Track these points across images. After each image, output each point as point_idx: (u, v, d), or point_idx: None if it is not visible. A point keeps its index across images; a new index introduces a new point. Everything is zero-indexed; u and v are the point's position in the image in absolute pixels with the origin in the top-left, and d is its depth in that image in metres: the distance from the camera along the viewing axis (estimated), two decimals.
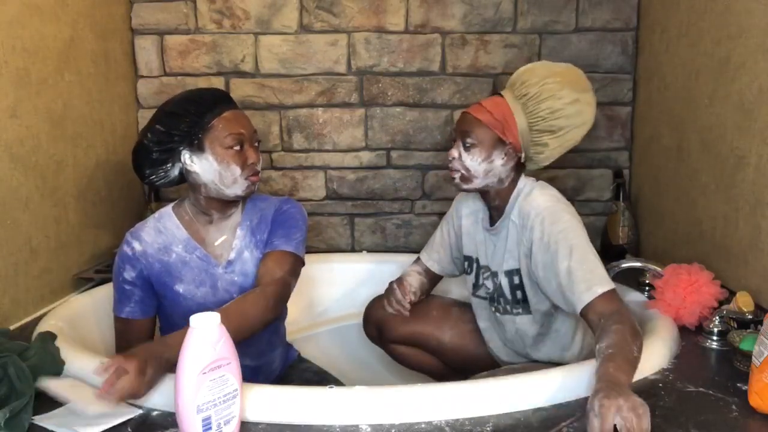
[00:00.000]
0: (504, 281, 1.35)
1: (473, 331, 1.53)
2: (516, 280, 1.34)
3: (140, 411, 0.97)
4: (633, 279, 1.56)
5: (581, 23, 2.00)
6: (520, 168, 1.36)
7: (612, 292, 1.15)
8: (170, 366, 0.96)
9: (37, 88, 1.47)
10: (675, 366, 1.13)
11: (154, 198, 1.95)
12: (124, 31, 1.97)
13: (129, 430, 0.93)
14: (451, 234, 1.53)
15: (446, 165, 1.37)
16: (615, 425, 0.82)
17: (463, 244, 1.49)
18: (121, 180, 1.91)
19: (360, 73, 2.03)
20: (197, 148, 1.21)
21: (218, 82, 2.03)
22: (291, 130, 2.06)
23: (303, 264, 1.30)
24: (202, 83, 2.00)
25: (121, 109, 1.94)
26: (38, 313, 1.43)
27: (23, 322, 1.39)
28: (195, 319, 0.85)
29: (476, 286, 1.46)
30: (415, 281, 1.55)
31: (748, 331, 1.19)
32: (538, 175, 1.48)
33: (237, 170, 1.21)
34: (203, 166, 1.21)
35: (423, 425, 0.94)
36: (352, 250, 2.13)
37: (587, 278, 1.16)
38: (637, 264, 1.51)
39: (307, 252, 1.33)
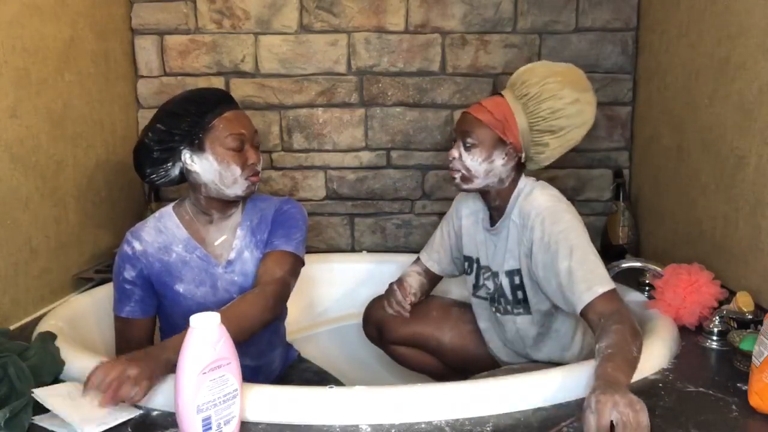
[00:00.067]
0: (505, 281, 1.35)
1: (473, 331, 1.53)
2: (517, 280, 1.34)
3: (140, 411, 0.97)
4: (633, 279, 1.56)
5: (581, 23, 2.00)
6: (520, 168, 1.36)
7: (612, 292, 1.15)
8: (171, 367, 0.96)
9: (37, 88, 1.47)
10: (675, 366, 1.13)
11: (154, 198, 1.95)
12: (124, 31, 1.97)
13: (129, 430, 0.93)
14: (451, 234, 1.53)
15: (446, 165, 1.37)
16: (612, 422, 0.82)
17: (463, 244, 1.49)
18: (121, 180, 1.91)
19: (360, 73, 2.03)
20: (198, 147, 1.21)
21: (218, 82, 2.03)
22: (291, 130, 2.06)
23: (303, 264, 1.30)
24: (202, 83, 2.00)
25: (121, 109, 1.94)
26: (38, 313, 1.43)
27: (23, 322, 1.39)
28: (195, 319, 0.85)
29: (476, 286, 1.46)
30: (414, 282, 1.55)
31: (748, 331, 1.19)
32: (539, 175, 1.48)
33: (237, 170, 1.21)
34: (203, 165, 1.21)
35: (423, 425, 0.94)
36: (352, 250, 2.13)
37: (588, 278, 1.16)
38: (637, 264, 1.51)
39: (307, 252, 1.34)
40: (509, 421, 0.94)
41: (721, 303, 1.29)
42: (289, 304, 1.31)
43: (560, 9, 1.98)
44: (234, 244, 1.29)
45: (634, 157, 2.06)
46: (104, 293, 1.47)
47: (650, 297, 1.41)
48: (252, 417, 0.95)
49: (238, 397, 0.89)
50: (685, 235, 1.69)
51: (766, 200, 1.32)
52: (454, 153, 1.33)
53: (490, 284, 1.40)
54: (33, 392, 0.96)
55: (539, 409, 0.97)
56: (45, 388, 1.00)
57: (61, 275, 1.56)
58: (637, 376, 1.06)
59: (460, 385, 1.04)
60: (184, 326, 0.89)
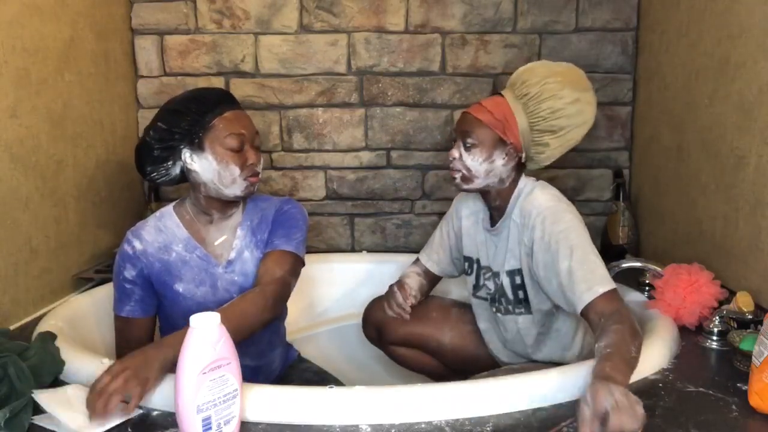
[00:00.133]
0: (506, 281, 1.35)
1: (473, 332, 1.52)
2: (518, 280, 1.34)
3: (140, 411, 0.97)
4: (633, 279, 1.56)
5: (581, 23, 2.00)
6: (520, 168, 1.36)
7: (613, 292, 1.15)
8: (169, 365, 0.96)
9: (37, 88, 1.47)
10: (675, 366, 1.13)
11: (154, 198, 1.95)
12: (124, 31, 1.97)
13: (129, 430, 0.93)
14: (450, 235, 1.53)
15: (446, 165, 1.37)
16: (605, 425, 0.81)
17: (463, 245, 1.49)
18: (121, 180, 1.91)
19: (360, 73, 2.03)
20: (197, 146, 1.21)
21: (218, 82, 2.03)
22: (291, 130, 2.06)
23: (303, 264, 1.30)
24: (202, 83, 2.00)
25: (121, 109, 1.94)
26: (38, 313, 1.43)
27: (23, 322, 1.39)
28: (195, 319, 0.85)
29: (477, 286, 1.46)
30: (414, 283, 1.55)
31: (748, 331, 1.19)
32: (539, 175, 1.48)
33: (236, 170, 1.21)
34: (203, 165, 1.21)
35: (423, 425, 0.94)
36: (352, 250, 2.13)
37: (588, 278, 1.16)
38: (637, 264, 1.51)
39: (307, 252, 1.33)
40: (509, 421, 0.94)
41: (721, 303, 1.29)
42: (289, 304, 1.31)
43: (560, 9, 1.99)
44: (234, 244, 1.29)
45: (634, 157, 2.06)
46: (104, 293, 1.47)
47: (650, 297, 1.41)
48: (252, 417, 0.95)
49: (238, 397, 0.89)
50: (685, 235, 1.69)
51: (766, 200, 1.32)
52: (455, 153, 1.33)
53: (490, 284, 1.40)
54: (34, 395, 0.96)
55: (539, 409, 0.97)
56: (46, 391, 0.99)
57: (61, 275, 1.56)
58: (637, 376, 1.06)
59: (460, 385, 1.04)
60: (183, 326, 0.89)
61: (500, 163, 1.31)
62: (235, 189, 1.22)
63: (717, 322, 1.25)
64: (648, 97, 1.94)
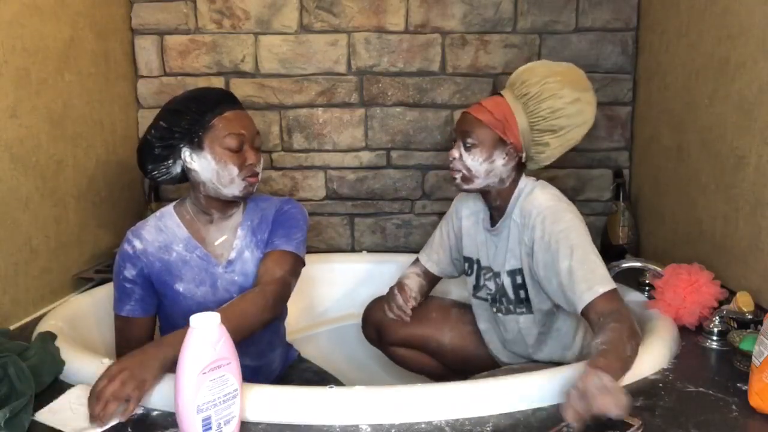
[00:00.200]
0: (507, 281, 1.35)
1: (473, 332, 1.52)
2: (519, 279, 1.34)
3: (140, 411, 0.97)
4: (633, 279, 1.56)
5: (581, 23, 2.00)
6: (520, 168, 1.36)
7: (613, 291, 1.15)
8: (168, 364, 0.96)
9: (37, 88, 1.47)
10: (675, 366, 1.12)
11: (154, 198, 1.95)
12: (124, 31, 1.97)
13: (129, 430, 0.93)
14: (450, 235, 1.53)
15: (446, 165, 1.37)
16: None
17: (463, 245, 1.49)
18: (121, 180, 1.91)
19: (360, 73, 2.03)
20: (197, 146, 1.21)
21: (218, 82, 2.03)
22: (291, 130, 2.06)
23: (303, 264, 1.30)
24: (202, 83, 2.00)
25: (121, 109, 1.94)
26: (38, 313, 1.43)
27: (23, 322, 1.39)
28: (195, 319, 0.85)
29: (477, 287, 1.46)
30: (414, 285, 1.54)
31: (748, 331, 1.19)
32: (539, 175, 1.48)
33: (234, 170, 1.21)
34: (202, 164, 1.21)
35: (423, 425, 0.94)
36: (352, 250, 2.13)
37: (588, 278, 1.17)
38: (637, 264, 1.51)
39: (307, 252, 1.33)
40: (509, 421, 0.94)
41: (721, 303, 1.29)
42: (290, 304, 1.31)
43: (560, 9, 1.99)
44: (234, 244, 1.29)
45: (634, 157, 2.06)
46: (104, 293, 1.47)
47: (650, 297, 1.41)
48: (252, 417, 0.95)
49: (238, 397, 0.89)
50: (685, 235, 1.69)
51: (766, 200, 1.32)
52: (455, 153, 1.33)
53: (491, 285, 1.40)
54: (35, 418, 0.96)
55: (539, 409, 0.97)
56: (46, 411, 0.99)
57: (61, 275, 1.56)
58: (637, 376, 1.06)
59: (460, 385, 1.04)
60: (183, 326, 0.89)
61: (500, 163, 1.31)
62: (234, 189, 1.22)
63: (717, 322, 1.25)
64: (648, 97, 1.94)
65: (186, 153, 1.23)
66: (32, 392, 0.97)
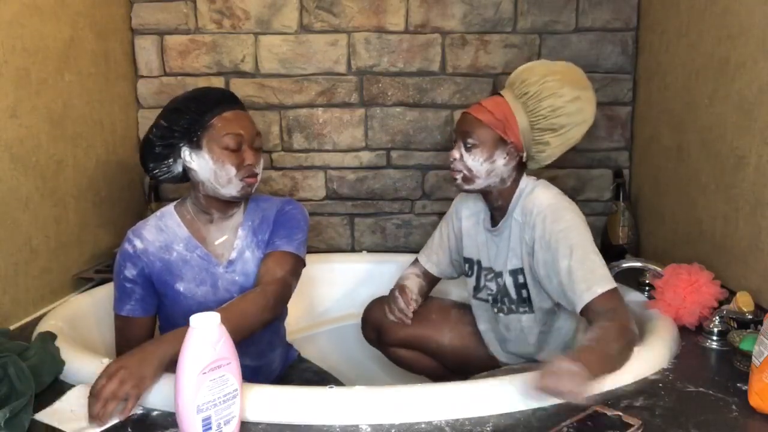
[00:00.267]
0: (509, 281, 1.35)
1: (473, 333, 1.52)
2: (521, 279, 1.34)
3: (140, 411, 0.97)
4: (633, 279, 1.56)
5: (581, 23, 2.00)
6: (521, 168, 1.36)
7: (612, 291, 1.15)
8: (167, 362, 0.96)
9: (37, 88, 1.47)
10: (675, 366, 1.12)
11: (154, 198, 1.95)
12: (124, 31, 1.97)
13: (129, 430, 0.93)
14: (450, 236, 1.53)
15: (446, 165, 1.37)
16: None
17: (463, 246, 1.49)
18: (121, 180, 1.91)
19: (360, 73, 2.03)
20: (196, 145, 1.22)
21: (218, 82, 2.03)
22: (291, 130, 2.06)
23: (304, 264, 1.31)
24: (202, 83, 2.00)
25: (121, 109, 1.94)
26: (38, 313, 1.43)
27: (23, 322, 1.39)
28: (195, 319, 0.85)
29: (477, 288, 1.46)
30: (414, 286, 1.54)
31: (748, 331, 1.19)
32: (539, 175, 1.48)
33: (232, 170, 1.21)
34: (200, 163, 1.22)
35: (423, 425, 0.94)
36: (352, 250, 2.13)
37: (587, 278, 1.17)
38: (637, 264, 1.51)
39: (307, 252, 1.34)
40: (509, 421, 0.94)
41: (721, 303, 1.29)
42: (290, 304, 1.30)
43: (560, 9, 1.98)
44: (235, 244, 1.29)
45: (634, 157, 2.06)
46: (104, 293, 1.47)
47: (650, 297, 1.41)
48: (252, 417, 0.95)
49: (238, 397, 0.89)
50: (685, 235, 1.69)
51: (766, 200, 1.32)
52: (455, 154, 1.33)
53: (492, 285, 1.40)
54: (35, 418, 0.96)
55: (539, 409, 0.97)
56: (46, 411, 0.99)
57: (61, 275, 1.56)
58: (637, 376, 1.06)
59: (460, 385, 1.04)
60: (184, 326, 0.89)
61: (501, 162, 1.31)
62: (231, 189, 1.23)
63: (717, 322, 1.25)
64: (648, 97, 1.94)
65: (186, 152, 1.23)
66: (32, 392, 0.97)
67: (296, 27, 2.01)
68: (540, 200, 1.28)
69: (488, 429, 0.92)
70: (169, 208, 1.31)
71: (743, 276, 1.40)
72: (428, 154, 2.07)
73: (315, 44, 2.01)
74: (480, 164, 1.30)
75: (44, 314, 1.38)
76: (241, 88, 2.02)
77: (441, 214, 2.02)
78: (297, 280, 1.28)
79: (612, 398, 0.99)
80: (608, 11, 1.99)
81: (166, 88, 2.02)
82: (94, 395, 0.92)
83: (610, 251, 1.90)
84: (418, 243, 2.06)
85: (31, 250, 1.44)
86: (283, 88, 2.04)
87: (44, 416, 0.96)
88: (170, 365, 0.94)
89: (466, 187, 1.34)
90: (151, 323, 1.30)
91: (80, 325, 1.36)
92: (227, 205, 1.28)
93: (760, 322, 1.11)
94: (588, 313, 1.15)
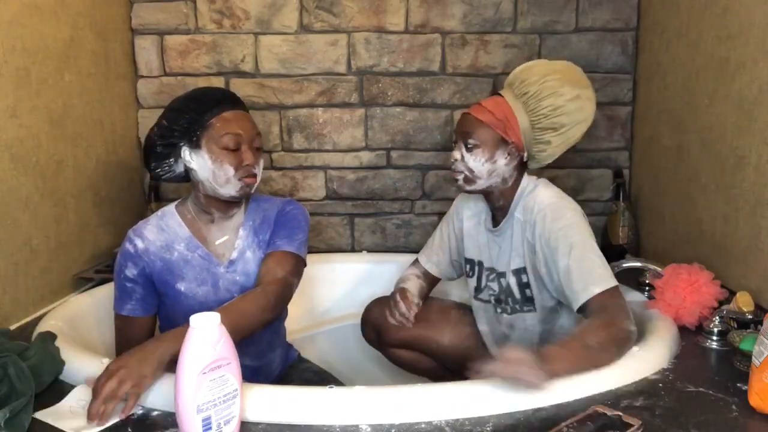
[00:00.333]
0: (512, 280, 1.35)
1: (473, 333, 1.52)
2: (524, 278, 1.34)
3: (140, 411, 0.97)
4: (633, 279, 1.56)
5: (581, 23, 2.00)
6: (522, 167, 1.36)
7: (610, 290, 1.15)
8: (168, 360, 0.96)
9: (37, 88, 1.47)
10: (675, 366, 1.12)
11: (154, 198, 1.95)
12: (124, 31, 1.97)
13: (129, 430, 0.93)
14: (451, 237, 1.53)
15: (446, 165, 1.38)
16: None
17: (464, 246, 1.48)
18: (121, 180, 1.91)
19: (360, 73, 2.03)
20: (195, 145, 1.22)
21: (218, 82, 2.03)
22: (291, 130, 2.06)
23: (305, 265, 1.31)
24: (202, 83, 2.00)
25: (121, 109, 1.94)
26: (38, 313, 1.43)
27: (23, 322, 1.39)
28: (195, 319, 0.85)
29: (478, 289, 1.46)
30: (415, 288, 1.53)
31: (748, 331, 1.19)
32: (539, 175, 1.48)
33: (230, 170, 1.21)
34: (199, 163, 1.22)
35: (423, 425, 0.94)
36: (352, 250, 2.13)
37: (584, 277, 1.17)
38: (637, 264, 1.51)
39: (307, 252, 1.34)
40: (509, 421, 0.94)
41: (721, 303, 1.29)
42: (290, 304, 1.30)
43: (560, 9, 1.98)
44: (236, 244, 1.29)
45: (634, 157, 2.06)
46: (104, 293, 1.47)
47: (650, 297, 1.41)
48: (252, 417, 0.95)
49: (238, 397, 0.89)
50: (685, 235, 1.69)
51: (766, 200, 1.32)
52: (456, 155, 1.33)
53: (495, 285, 1.40)
54: (36, 417, 0.96)
55: (539, 409, 0.97)
56: (46, 411, 0.98)
57: (61, 275, 1.56)
58: (637, 376, 1.06)
59: (460, 385, 1.04)
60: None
61: (502, 162, 1.31)
62: (230, 189, 1.23)
63: (717, 322, 1.25)
64: (648, 97, 1.94)
65: (186, 152, 1.24)
66: (32, 392, 0.97)
67: (296, 27, 2.01)
68: (541, 198, 1.28)
69: (488, 429, 0.92)
70: (170, 208, 1.31)
71: (743, 276, 1.40)
72: (428, 154, 2.07)
73: (315, 44, 2.01)
74: (481, 165, 1.30)
75: (44, 314, 1.38)
76: (241, 88, 2.02)
77: (441, 214, 2.02)
78: (298, 280, 1.28)
79: (612, 398, 0.99)
80: (608, 11, 1.99)
81: (166, 88, 2.02)
82: (93, 394, 0.92)
83: (610, 251, 1.90)
84: (418, 243, 2.06)
85: (31, 250, 1.44)
86: (283, 88, 2.04)
87: (44, 416, 0.96)
88: (170, 364, 0.94)
89: (468, 188, 1.34)
90: (152, 323, 1.31)
91: (80, 325, 1.36)
92: (227, 205, 1.28)
93: (760, 322, 1.11)
94: (585, 312, 1.16)
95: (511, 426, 0.93)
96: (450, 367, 1.57)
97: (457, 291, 1.80)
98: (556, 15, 1.99)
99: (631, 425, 0.89)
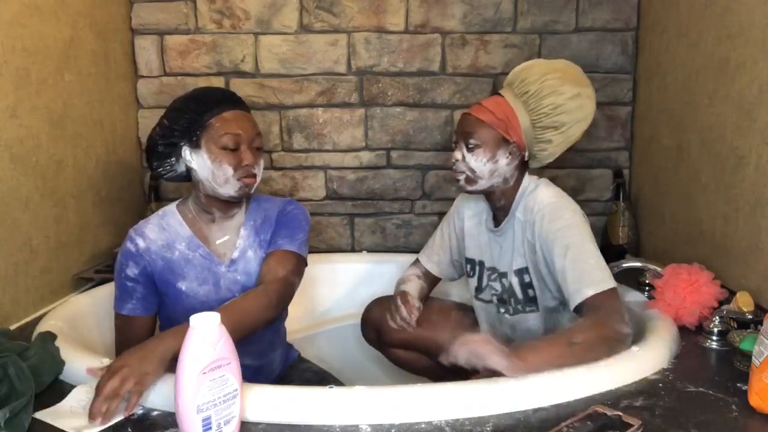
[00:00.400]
0: (514, 280, 1.35)
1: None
2: (526, 278, 1.34)
3: (140, 411, 0.97)
4: (633, 279, 1.56)
5: (581, 23, 2.00)
6: (523, 167, 1.36)
7: (605, 293, 1.15)
8: (169, 358, 0.96)
9: (37, 88, 1.47)
10: (675, 366, 1.12)
11: (154, 198, 1.95)
12: (124, 31, 1.97)
13: (129, 430, 0.93)
14: (452, 236, 1.53)
15: (447, 165, 1.38)
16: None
17: (465, 246, 1.48)
18: (121, 180, 1.91)
19: (360, 73, 2.03)
20: (195, 144, 1.23)
21: (218, 82, 2.03)
22: (291, 130, 2.06)
23: (306, 264, 1.31)
24: (202, 83, 2.00)
25: (121, 109, 1.94)
26: (38, 313, 1.43)
27: (23, 322, 1.39)
28: (195, 319, 0.85)
29: (479, 288, 1.46)
30: (415, 290, 1.52)
31: (748, 331, 1.19)
32: (539, 174, 1.48)
33: (229, 170, 1.21)
34: (199, 163, 1.23)
35: (423, 425, 0.94)
36: (352, 250, 2.13)
37: (578, 279, 1.17)
38: (637, 264, 1.51)
39: (308, 252, 1.34)
40: (509, 421, 0.94)
41: (721, 303, 1.29)
42: (290, 304, 1.31)
43: (560, 9, 1.98)
44: (237, 244, 1.29)
45: (634, 157, 2.06)
46: (104, 293, 1.47)
47: (650, 297, 1.41)
48: (252, 417, 0.95)
49: (238, 397, 0.89)
50: (685, 235, 1.69)
51: (766, 200, 1.32)
52: (457, 155, 1.33)
53: (497, 285, 1.40)
54: (37, 417, 0.96)
55: (539, 409, 0.97)
56: (46, 411, 0.98)
57: (61, 275, 1.56)
58: (637, 376, 1.06)
59: (460, 385, 1.03)
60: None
61: (504, 162, 1.31)
62: (229, 189, 1.23)
63: (717, 322, 1.25)
64: (648, 97, 1.94)
65: (186, 152, 1.24)
66: (32, 392, 0.97)
67: (296, 27, 2.01)
68: (540, 198, 1.28)
69: (488, 429, 0.92)
70: (171, 207, 1.31)
71: (743, 276, 1.40)
72: (428, 154, 2.07)
73: (315, 44, 2.01)
74: (483, 164, 1.30)
75: (44, 314, 1.38)
76: (241, 88, 2.02)
77: (441, 214, 2.02)
78: (300, 279, 1.28)
79: (612, 398, 0.99)
80: (608, 11, 1.99)
81: (166, 88, 2.03)
82: (95, 393, 0.92)
83: (610, 251, 1.90)
84: (418, 243, 2.06)
85: (31, 250, 1.44)
86: (283, 88, 2.04)
87: (44, 416, 0.96)
88: (172, 362, 0.94)
89: (470, 188, 1.34)
90: (152, 323, 1.31)
91: (80, 325, 1.36)
92: (228, 204, 1.28)
93: (760, 322, 1.11)
94: (580, 314, 1.17)
95: (511, 426, 0.93)
96: (450, 367, 1.57)
97: (457, 291, 1.80)
98: (556, 15, 1.99)
99: (631, 425, 0.89)
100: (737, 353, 1.13)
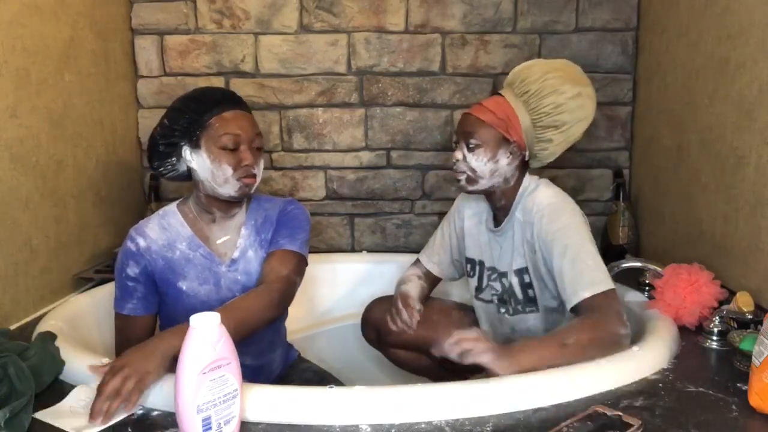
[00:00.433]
0: (514, 280, 1.35)
1: None
2: (526, 278, 1.34)
3: (140, 411, 0.97)
4: (633, 279, 1.56)
5: (581, 23, 2.00)
6: (524, 167, 1.36)
7: (601, 294, 1.15)
8: (169, 358, 0.96)
9: (37, 88, 1.47)
10: (675, 366, 1.12)
11: (154, 198, 1.95)
12: (124, 31, 1.97)
13: (129, 430, 0.93)
14: (452, 236, 1.53)
15: (447, 165, 1.38)
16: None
17: (465, 246, 1.48)
18: (121, 180, 1.91)
19: (360, 73, 2.03)
20: (195, 144, 1.23)
21: (218, 82, 2.03)
22: (291, 130, 2.06)
23: (307, 264, 1.31)
24: (202, 83, 2.00)
25: (121, 109, 1.94)
26: (38, 313, 1.43)
27: (23, 322, 1.39)
28: (195, 319, 0.85)
29: (479, 288, 1.46)
30: (416, 292, 1.52)
31: (748, 331, 1.19)
32: (539, 174, 1.48)
33: (228, 170, 1.21)
34: (199, 163, 1.23)
35: (423, 425, 0.94)
36: (352, 250, 2.13)
37: (575, 281, 1.17)
38: (637, 264, 1.51)
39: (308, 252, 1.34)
40: (509, 421, 0.94)
41: (721, 303, 1.29)
42: (290, 304, 1.31)
43: (560, 9, 1.99)
44: (238, 243, 1.29)
45: (634, 157, 2.06)
46: (104, 293, 1.47)
47: (650, 297, 1.41)
48: (252, 417, 0.95)
49: (238, 397, 0.89)
50: (685, 235, 1.69)
51: (766, 200, 1.32)
52: (458, 155, 1.33)
53: (497, 285, 1.40)
54: (36, 417, 0.96)
55: (539, 409, 0.97)
56: (46, 411, 0.98)
57: (61, 275, 1.56)
58: (637, 376, 1.06)
59: (460, 385, 1.03)
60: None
61: (504, 162, 1.31)
62: (228, 189, 1.23)
63: (717, 322, 1.25)
64: (648, 97, 1.94)
65: (186, 151, 1.25)
66: (32, 392, 0.97)
67: (296, 27, 2.01)
68: (540, 199, 1.28)
69: (488, 429, 0.92)
70: (172, 207, 1.31)
71: (743, 276, 1.40)
72: (428, 154, 2.07)
73: (315, 44, 2.01)
74: (484, 164, 1.30)
75: (44, 314, 1.38)
76: (241, 88, 2.02)
77: (441, 214, 2.02)
78: (301, 279, 1.28)
79: (612, 398, 0.99)
80: (608, 11, 1.99)
81: (166, 88, 2.03)
82: (97, 392, 0.92)
83: (610, 251, 1.90)
84: (418, 243, 2.06)
85: (31, 250, 1.44)
86: (283, 88, 2.04)
87: (44, 416, 0.96)
88: (173, 361, 0.94)
89: (471, 188, 1.34)
90: (152, 322, 1.31)
91: (80, 325, 1.36)
92: (228, 204, 1.28)
93: (760, 322, 1.11)
94: (577, 315, 1.17)
95: (511, 426, 0.93)
96: (450, 367, 1.57)
97: (458, 291, 1.80)
98: (556, 15, 1.99)
99: (631, 425, 0.89)
100: (737, 353, 1.13)
